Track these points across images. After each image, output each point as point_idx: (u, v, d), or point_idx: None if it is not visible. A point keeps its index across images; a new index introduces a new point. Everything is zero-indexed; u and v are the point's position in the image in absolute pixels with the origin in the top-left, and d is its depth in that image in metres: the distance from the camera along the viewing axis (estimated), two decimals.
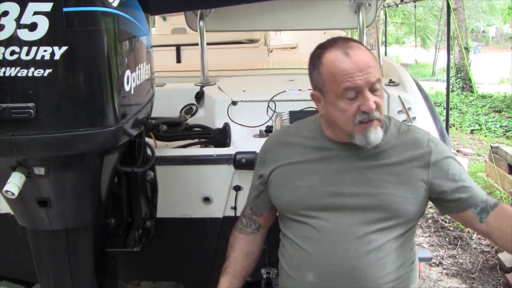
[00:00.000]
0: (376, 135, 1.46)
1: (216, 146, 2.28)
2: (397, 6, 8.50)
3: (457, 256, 4.19)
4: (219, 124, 2.34)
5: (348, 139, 1.50)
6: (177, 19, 4.94)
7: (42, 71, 1.27)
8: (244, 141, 2.20)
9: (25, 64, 1.26)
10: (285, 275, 1.64)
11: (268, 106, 2.31)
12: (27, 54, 1.25)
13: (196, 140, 2.37)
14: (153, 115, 1.83)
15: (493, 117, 9.80)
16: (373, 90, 1.43)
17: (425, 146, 1.55)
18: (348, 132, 1.48)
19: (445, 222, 4.97)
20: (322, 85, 1.48)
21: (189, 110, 2.58)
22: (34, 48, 1.25)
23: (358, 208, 1.51)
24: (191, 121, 2.51)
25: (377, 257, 1.49)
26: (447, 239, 4.56)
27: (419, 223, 4.91)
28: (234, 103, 2.39)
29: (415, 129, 1.61)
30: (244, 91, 2.54)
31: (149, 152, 1.87)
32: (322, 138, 1.59)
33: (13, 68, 1.25)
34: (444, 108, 6.01)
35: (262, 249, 1.77)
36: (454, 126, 8.93)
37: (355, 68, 1.41)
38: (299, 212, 1.57)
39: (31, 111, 1.27)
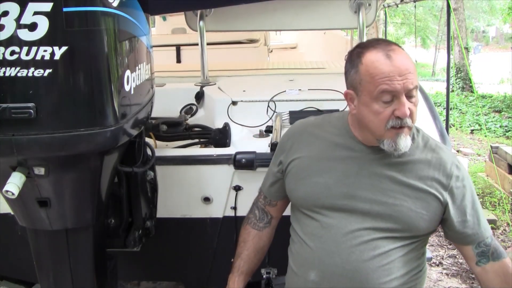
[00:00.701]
0: (405, 142, 1.45)
1: (216, 146, 2.28)
2: (397, 6, 8.50)
3: (457, 256, 4.19)
4: (219, 124, 2.34)
5: (375, 143, 1.49)
6: (177, 19, 4.94)
7: (42, 71, 1.26)
8: (244, 141, 2.20)
9: (25, 64, 1.26)
10: (290, 272, 1.64)
11: (268, 106, 2.31)
12: (27, 54, 1.25)
13: (196, 140, 2.37)
14: (153, 115, 1.83)
15: (493, 117, 9.80)
16: (409, 97, 1.42)
17: (448, 169, 1.53)
18: (378, 136, 1.47)
19: None
20: (358, 84, 1.46)
21: (189, 110, 2.58)
22: (34, 48, 1.25)
23: (370, 214, 1.50)
24: (191, 121, 2.50)
25: (381, 262, 1.48)
26: (447, 239, 4.55)
27: None
28: (234, 103, 2.39)
29: (442, 149, 1.59)
30: (244, 91, 2.54)
31: (149, 152, 1.87)
32: (348, 136, 1.57)
33: (13, 68, 1.25)
34: (444, 108, 6.01)
35: (271, 241, 1.78)
36: (454, 126, 8.93)
37: (395, 71, 1.39)
38: (311, 209, 1.57)
39: (31, 111, 1.27)
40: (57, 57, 1.27)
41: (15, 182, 1.35)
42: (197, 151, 2.29)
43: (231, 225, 2.16)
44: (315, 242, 1.54)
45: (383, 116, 1.42)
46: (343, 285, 1.50)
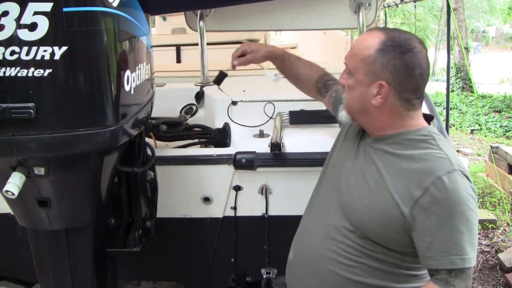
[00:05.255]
0: (341, 112, 1.57)
1: (216, 146, 2.28)
2: (397, 6, 8.48)
3: None
4: (219, 124, 2.34)
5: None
6: (177, 19, 4.94)
7: (42, 71, 1.27)
8: (244, 141, 2.20)
9: (25, 64, 1.26)
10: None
11: (264, 110, 2.30)
12: (27, 54, 1.25)
13: (196, 140, 2.37)
14: (153, 115, 1.83)
15: (493, 117, 9.80)
16: (347, 73, 1.47)
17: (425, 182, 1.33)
18: None
19: None
20: None
21: (189, 110, 2.58)
22: (34, 48, 1.25)
23: (342, 205, 1.49)
24: (191, 121, 2.50)
25: (344, 256, 1.46)
26: None
27: None
28: (234, 103, 2.39)
29: (434, 156, 1.37)
30: (244, 91, 2.54)
31: (149, 152, 1.87)
32: None
33: (13, 68, 1.25)
34: (444, 108, 6.00)
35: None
36: (454, 126, 8.93)
37: (353, 43, 1.51)
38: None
39: (31, 111, 1.27)
40: (57, 57, 1.27)
41: (15, 182, 1.35)
42: (197, 151, 2.29)
43: (231, 225, 2.16)
44: (302, 221, 1.63)
45: None
46: (306, 271, 1.52)
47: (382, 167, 1.41)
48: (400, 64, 1.36)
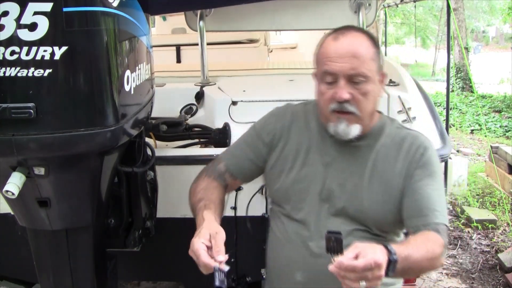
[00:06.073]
0: (346, 129, 1.44)
1: (216, 146, 2.28)
2: (397, 6, 8.49)
3: (457, 256, 4.19)
4: (219, 124, 2.34)
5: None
6: (177, 19, 4.93)
7: (42, 71, 1.26)
8: None
9: (25, 64, 1.26)
10: (274, 272, 1.62)
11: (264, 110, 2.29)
12: (27, 54, 1.25)
13: (196, 140, 2.37)
14: (153, 115, 1.83)
15: (493, 117, 9.80)
16: (354, 82, 1.40)
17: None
18: (325, 119, 1.48)
19: None
20: (315, 65, 1.51)
21: (189, 110, 2.58)
22: (34, 48, 1.25)
23: (345, 211, 1.50)
24: (191, 121, 2.50)
25: None
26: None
27: None
28: (234, 103, 2.39)
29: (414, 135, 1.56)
30: (244, 91, 2.54)
31: (149, 152, 1.87)
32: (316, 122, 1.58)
33: (13, 68, 1.25)
34: (444, 108, 6.00)
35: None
36: (454, 126, 8.93)
37: (336, 53, 1.41)
38: (290, 206, 1.55)
39: (31, 111, 1.27)
40: (57, 57, 1.27)
41: (15, 182, 1.35)
42: (197, 151, 2.29)
43: (231, 225, 2.16)
44: (298, 242, 1.52)
45: (326, 97, 1.44)
46: (330, 285, 1.49)
47: (376, 160, 1.49)
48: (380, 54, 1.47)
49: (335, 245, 1.23)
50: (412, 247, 1.31)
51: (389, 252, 1.20)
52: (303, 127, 1.59)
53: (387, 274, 1.19)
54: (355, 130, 1.45)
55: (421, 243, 1.34)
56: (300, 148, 1.56)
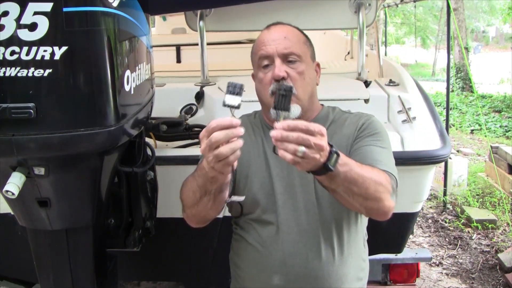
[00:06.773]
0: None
1: None
2: (397, 6, 8.49)
3: (457, 256, 4.20)
4: None
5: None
6: (177, 19, 4.94)
7: (42, 71, 1.26)
8: None
9: (25, 64, 1.26)
10: (247, 278, 1.60)
11: None
12: (27, 54, 1.25)
13: (196, 140, 2.37)
14: (153, 115, 1.83)
15: (493, 117, 9.81)
16: (289, 62, 1.46)
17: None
18: (267, 108, 1.50)
19: (445, 222, 4.97)
20: (252, 61, 1.56)
21: (189, 110, 2.58)
22: (34, 48, 1.25)
23: (311, 208, 1.50)
24: (191, 121, 2.50)
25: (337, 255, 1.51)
26: (447, 239, 4.56)
27: (418, 223, 4.93)
28: None
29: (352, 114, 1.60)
30: (244, 91, 2.54)
31: (149, 152, 1.87)
32: (261, 123, 1.60)
33: (13, 68, 1.25)
34: (444, 108, 6.01)
35: None
36: (454, 126, 8.94)
37: (269, 38, 1.49)
38: (259, 213, 1.55)
39: (31, 111, 1.27)
40: (57, 57, 1.27)
41: (15, 182, 1.35)
42: (197, 151, 2.28)
43: (231, 225, 2.16)
44: (273, 245, 1.52)
45: (265, 81, 1.48)
46: (309, 285, 1.49)
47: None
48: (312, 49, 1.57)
49: (284, 101, 1.26)
50: (357, 163, 1.31)
51: (331, 146, 1.21)
52: (252, 135, 1.60)
53: (327, 167, 1.18)
54: (295, 109, 1.46)
55: (366, 166, 1.35)
56: (255, 154, 1.57)
